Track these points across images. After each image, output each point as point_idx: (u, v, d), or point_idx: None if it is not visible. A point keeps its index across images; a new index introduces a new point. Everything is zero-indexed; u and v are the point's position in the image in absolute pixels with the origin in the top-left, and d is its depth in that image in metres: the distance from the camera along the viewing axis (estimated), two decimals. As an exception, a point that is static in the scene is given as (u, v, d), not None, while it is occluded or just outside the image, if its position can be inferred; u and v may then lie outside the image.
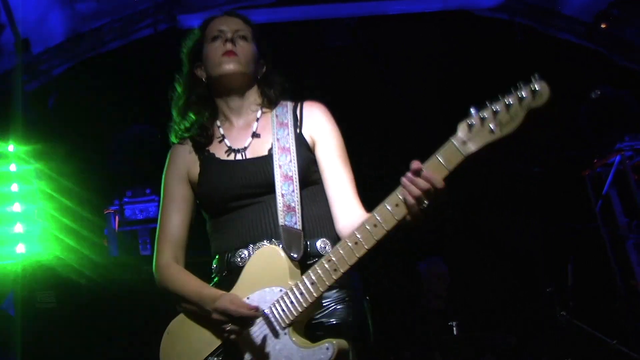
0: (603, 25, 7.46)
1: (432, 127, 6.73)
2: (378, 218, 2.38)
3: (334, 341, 2.47)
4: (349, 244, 2.43)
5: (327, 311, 2.62)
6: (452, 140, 2.25)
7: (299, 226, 2.64)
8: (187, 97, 2.92)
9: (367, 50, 7.39)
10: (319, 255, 2.59)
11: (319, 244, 2.69)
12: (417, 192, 2.27)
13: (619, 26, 7.47)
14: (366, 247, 2.40)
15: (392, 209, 2.35)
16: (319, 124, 2.83)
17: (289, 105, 2.88)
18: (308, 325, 2.58)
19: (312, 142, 2.80)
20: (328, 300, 2.63)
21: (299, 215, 2.66)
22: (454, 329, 5.70)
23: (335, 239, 2.69)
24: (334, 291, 2.63)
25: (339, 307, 2.64)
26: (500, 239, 6.59)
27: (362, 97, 6.85)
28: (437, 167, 2.27)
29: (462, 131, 2.24)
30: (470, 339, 5.67)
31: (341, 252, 2.45)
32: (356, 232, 2.42)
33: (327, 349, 2.45)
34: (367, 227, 2.39)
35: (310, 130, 2.82)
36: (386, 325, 5.76)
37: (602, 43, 7.47)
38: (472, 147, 2.23)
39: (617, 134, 6.86)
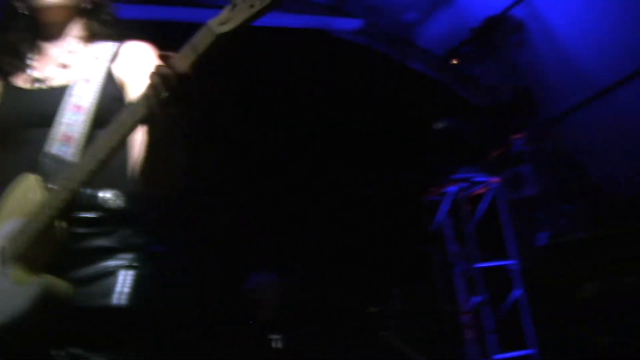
0: (454, 61, 7.84)
1: (283, 140, 6.87)
2: (117, 120, 2.08)
3: (47, 279, 2.11)
4: (89, 153, 2.12)
5: (94, 277, 2.25)
6: (208, 23, 1.92)
7: (74, 158, 2.29)
8: (6, 30, 2.62)
9: (230, 58, 7.37)
10: (102, 209, 2.29)
11: (104, 194, 2.32)
12: (156, 79, 1.96)
13: (469, 63, 7.86)
14: (99, 157, 2.07)
15: (130, 108, 2.06)
16: (135, 62, 2.50)
17: (113, 43, 2.59)
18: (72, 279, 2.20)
19: (120, 80, 2.49)
20: (100, 262, 2.28)
21: (78, 147, 2.31)
22: (279, 342, 5.76)
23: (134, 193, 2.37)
24: (113, 253, 2.30)
25: (114, 275, 2.28)
26: (333, 256, 6.73)
27: (221, 104, 6.83)
28: (186, 53, 1.95)
29: (223, 13, 1.93)
30: (294, 353, 5.76)
31: (77, 165, 2.13)
32: (97, 139, 2.13)
33: (32, 286, 2.07)
34: (106, 132, 2.09)
35: (123, 67, 2.50)
36: (212, 337, 5.76)
37: (452, 77, 7.83)
38: (228, 26, 1.90)
39: (455, 165, 7.19)
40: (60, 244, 2.18)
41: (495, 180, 7.36)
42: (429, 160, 7.23)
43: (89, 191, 2.29)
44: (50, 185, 2.22)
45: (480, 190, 7.43)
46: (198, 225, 6.08)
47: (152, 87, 1.97)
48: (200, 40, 1.93)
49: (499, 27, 7.57)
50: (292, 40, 7.07)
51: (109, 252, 2.30)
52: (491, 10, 7.50)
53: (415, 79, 7.65)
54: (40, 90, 2.51)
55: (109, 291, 2.26)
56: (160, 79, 1.95)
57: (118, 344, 2.23)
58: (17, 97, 2.52)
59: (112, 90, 2.46)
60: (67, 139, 2.32)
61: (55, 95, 2.44)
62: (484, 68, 7.91)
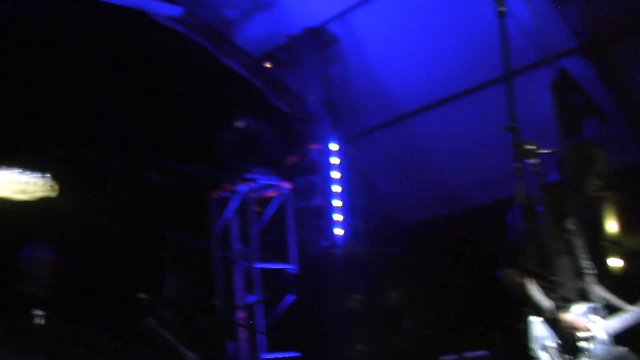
0: (268, 64, 8.01)
1: (76, 113, 6.68)
2: None
3: None
4: None
5: None
6: None
7: None
8: None
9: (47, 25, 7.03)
10: None
11: None
12: None
13: (281, 69, 8.05)
14: None
15: None
16: None
17: None
18: None
19: None
20: None
21: None
22: (42, 318, 5.59)
23: None
24: None
25: None
26: (110, 238, 6.62)
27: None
28: None
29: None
30: (54, 331, 5.61)
31: None
32: None
33: None
34: None
35: None
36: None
37: (262, 80, 7.97)
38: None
39: (249, 165, 7.31)
40: None
41: (287, 185, 7.57)
42: (224, 156, 7.29)
43: None
44: None
45: (271, 193, 7.60)
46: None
47: None
48: None
49: (315, 38, 7.83)
50: (107, 16, 6.90)
51: None
52: (311, 22, 7.74)
53: (226, 76, 7.72)
54: None
55: None
56: None
57: None
58: None
59: None
60: None
61: None
62: (295, 76, 8.12)
